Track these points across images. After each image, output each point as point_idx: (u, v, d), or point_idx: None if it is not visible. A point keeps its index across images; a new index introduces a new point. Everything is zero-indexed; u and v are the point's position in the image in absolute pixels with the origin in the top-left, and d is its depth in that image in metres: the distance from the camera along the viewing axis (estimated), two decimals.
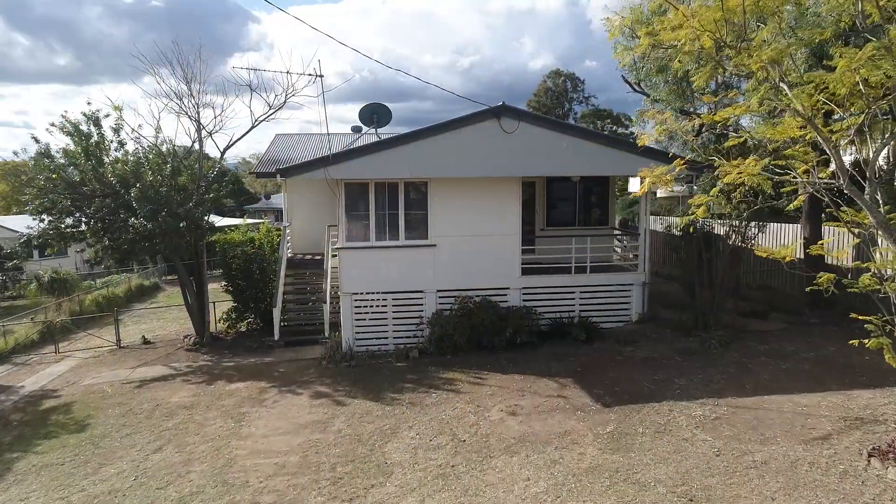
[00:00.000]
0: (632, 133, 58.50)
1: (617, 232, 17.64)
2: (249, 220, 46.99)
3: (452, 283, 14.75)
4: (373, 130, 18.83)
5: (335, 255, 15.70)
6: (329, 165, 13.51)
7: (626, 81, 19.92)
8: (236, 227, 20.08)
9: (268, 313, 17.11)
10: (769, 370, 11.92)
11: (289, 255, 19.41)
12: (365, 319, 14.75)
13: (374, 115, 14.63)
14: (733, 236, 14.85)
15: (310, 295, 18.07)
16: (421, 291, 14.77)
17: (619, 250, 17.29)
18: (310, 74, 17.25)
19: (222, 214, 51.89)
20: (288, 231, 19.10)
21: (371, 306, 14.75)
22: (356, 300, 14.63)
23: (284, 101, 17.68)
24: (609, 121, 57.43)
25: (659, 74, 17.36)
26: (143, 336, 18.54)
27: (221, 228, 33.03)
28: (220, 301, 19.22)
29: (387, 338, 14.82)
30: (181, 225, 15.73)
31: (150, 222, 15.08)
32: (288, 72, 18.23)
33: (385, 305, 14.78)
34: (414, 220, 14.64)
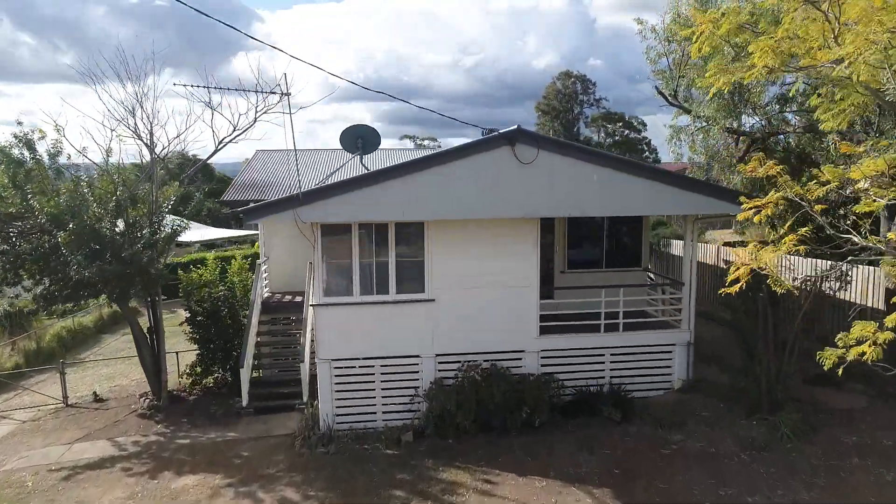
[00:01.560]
0: (645, 138, 55.46)
1: (653, 276, 14.69)
2: (245, 232, 44.18)
3: (455, 346, 11.87)
4: (382, 145, 16.12)
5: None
6: (300, 206, 10.63)
7: (660, 93, 16.97)
8: (202, 262, 17.22)
9: (239, 365, 14.27)
10: (870, 482, 9.00)
11: (265, 295, 16.55)
12: (348, 390, 11.89)
13: (359, 139, 11.78)
14: (809, 286, 11.89)
15: (286, 346, 15.22)
16: (416, 356, 11.89)
17: (652, 288, 14.36)
18: (273, 92, 14.39)
19: (217, 224, 49.16)
20: (264, 268, 16.24)
21: (355, 374, 11.89)
22: (337, 367, 11.77)
23: (255, 120, 14.86)
24: (621, 124, 54.46)
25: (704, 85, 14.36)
26: (95, 392, 15.71)
27: (189, 263, 30.35)
28: (185, 351, 16.35)
29: (374, 412, 11.96)
30: (127, 271, 12.87)
31: (86, 270, 12.24)
32: (245, 90, 15.29)
33: (372, 374, 11.91)
34: (407, 269, 11.76)
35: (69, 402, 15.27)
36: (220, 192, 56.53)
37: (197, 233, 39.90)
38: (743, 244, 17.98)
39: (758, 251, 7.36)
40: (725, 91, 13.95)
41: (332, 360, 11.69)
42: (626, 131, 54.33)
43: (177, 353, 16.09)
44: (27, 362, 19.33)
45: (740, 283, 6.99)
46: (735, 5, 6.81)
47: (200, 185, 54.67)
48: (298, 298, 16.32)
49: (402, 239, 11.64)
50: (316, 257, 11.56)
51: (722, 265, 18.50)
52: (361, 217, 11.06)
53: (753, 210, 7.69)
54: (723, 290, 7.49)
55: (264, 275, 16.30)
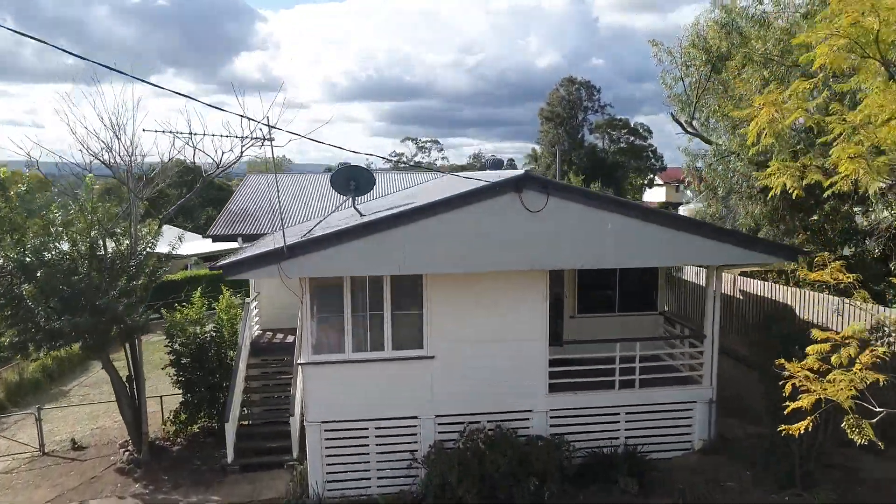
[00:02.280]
0: (650, 146, 54.35)
1: (669, 322, 13.58)
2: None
3: (456, 406, 10.81)
4: (391, 170, 15.04)
5: None
6: (284, 260, 9.56)
7: (676, 120, 15.85)
8: (195, 282, 16.20)
9: (223, 418, 13.22)
10: None
11: (256, 333, 15.52)
12: (339, 455, 10.84)
13: (351, 181, 10.73)
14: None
15: (278, 389, 14.19)
16: (414, 417, 10.83)
17: (670, 340, 13.27)
18: (255, 138, 13.34)
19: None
20: (254, 305, 15.20)
21: (347, 437, 10.83)
22: (327, 430, 10.71)
23: (240, 155, 13.83)
24: (625, 131, 53.32)
25: (726, 117, 13.25)
26: (74, 439, 14.68)
27: (184, 281, 29.23)
28: (169, 395, 15.25)
29: (369, 478, 10.90)
30: (103, 318, 11.82)
31: (56, 322, 11.20)
32: (228, 135, 14.23)
33: (366, 437, 10.85)
34: (404, 323, 10.70)
35: (46, 450, 14.25)
36: (220, 200, 55.28)
37: (193, 245, 38.83)
38: (763, 276, 16.86)
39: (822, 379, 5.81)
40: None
41: (322, 422, 10.64)
42: (631, 138, 53.20)
43: (160, 396, 15.04)
44: (8, 395, 18.33)
45: (802, 406, 5.70)
46: (805, 84, 5.62)
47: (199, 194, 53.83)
48: (290, 338, 15.26)
49: (398, 291, 10.57)
50: (304, 312, 10.49)
51: (738, 296, 17.42)
52: (353, 272, 10.00)
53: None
54: (783, 427, 6.01)
55: (254, 312, 15.27)
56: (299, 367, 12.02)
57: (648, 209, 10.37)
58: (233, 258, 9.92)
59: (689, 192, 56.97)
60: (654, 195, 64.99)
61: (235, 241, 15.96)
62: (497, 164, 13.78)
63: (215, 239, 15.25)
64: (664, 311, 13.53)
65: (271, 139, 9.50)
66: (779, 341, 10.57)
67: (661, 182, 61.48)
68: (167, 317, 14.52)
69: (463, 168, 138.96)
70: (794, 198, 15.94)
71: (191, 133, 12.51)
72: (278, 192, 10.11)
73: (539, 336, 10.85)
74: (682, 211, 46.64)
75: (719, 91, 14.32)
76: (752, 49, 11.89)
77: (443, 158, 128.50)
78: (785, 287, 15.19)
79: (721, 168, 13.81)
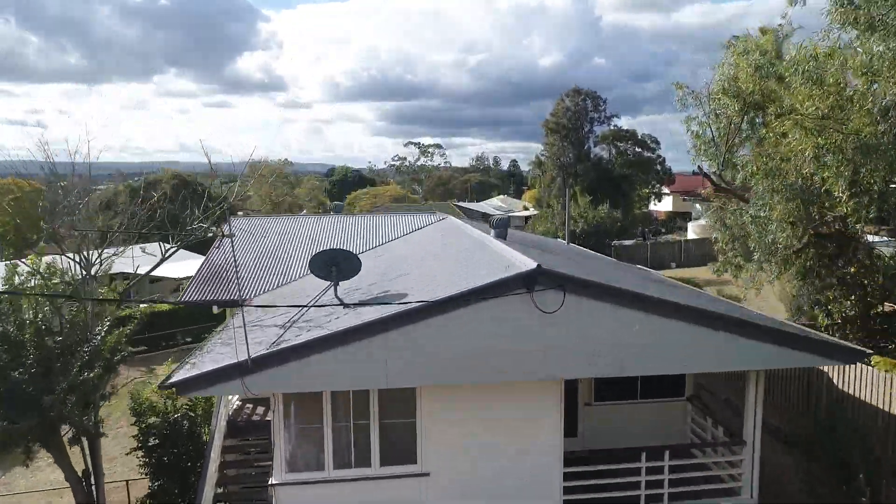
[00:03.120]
0: (659, 157, 52.35)
1: (698, 414, 11.90)
2: None
3: None
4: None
5: None
6: (249, 374, 7.94)
7: (703, 173, 14.14)
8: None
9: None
10: None
11: (234, 406, 13.90)
12: None
13: (333, 266, 9.09)
14: None
15: (260, 478, 12.56)
16: None
17: (703, 445, 11.60)
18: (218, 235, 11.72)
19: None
20: None
21: None
22: None
23: (204, 234, 12.21)
24: (631, 142, 51.48)
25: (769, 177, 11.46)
26: None
27: (167, 315, 27.65)
28: (137, 480, 13.59)
29: None
30: (51, 414, 10.20)
31: None
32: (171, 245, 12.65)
33: None
34: (395, 434, 9.08)
35: None
36: (211, 213, 53.56)
37: (182, 266, 37.20)
38: None
39: None
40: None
41: None
42: (638, 149, 51.31)
43: (127, 481, 13.45)
44: None
45: None
46: None
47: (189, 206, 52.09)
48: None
49: (388, 398, 8.95)
50: (276, 424, 8.88)
51: None
52: (331, 386, 8.39)
53: None
54: None
55: None
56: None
57: (681, 306, 8.70)
58: (188, 370, 8.27)
59: (698, 206, 55.16)
60: (661, 205, 63.18)
61: (211, 307, 14.33)
62: (503, 224, 12.14)
63: (189, 305, 13.57)
64: (691, 395, 11.85)
65: (231, 235, 7.87)
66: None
67: (667, 191, 59.67)
68: (133, 392, 12.93)
69: (466, 171, 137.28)
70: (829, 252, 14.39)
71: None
72: (238, 283, 8.48)
73: (551, 449, 9.21)
74: (693, 228, 44.89)
75: (754, 141, 12.62)
76: (797, 103, 10.21)
77: (445, 162, 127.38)
78: None
79: (757, 233, 12.13)
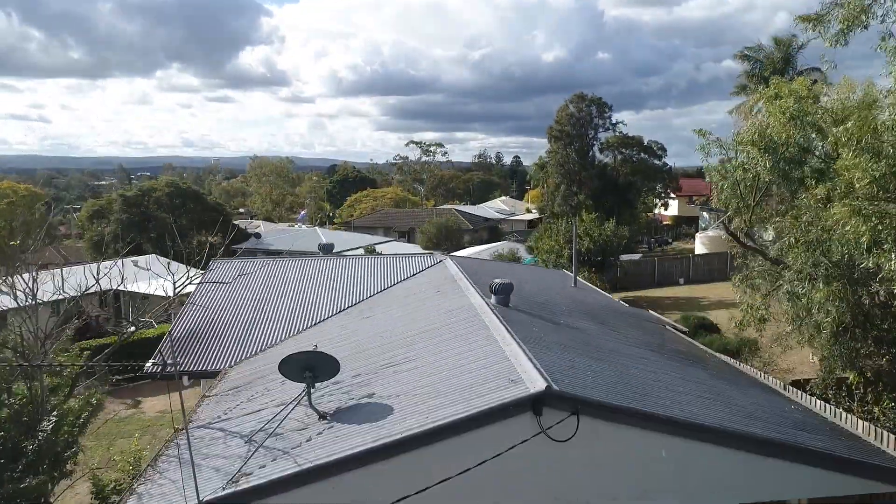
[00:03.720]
0: (665, 164, 50.81)
1: None
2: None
3: None
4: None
5: None
6: None
7: (728, 230, 12.67)
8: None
9: None
10: None
11: None
12: None
13: (307, 370, 7.72)
14: None
15: None
16: None
17: None
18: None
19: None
20: None
21: None
22: None
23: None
24: (636, 149, 49.90)
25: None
26: None
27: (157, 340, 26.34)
28: None
29: None
30: None
31: None
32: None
33: None
34: None
35: None
36: (213, 224, 52.15)
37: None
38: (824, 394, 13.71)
39: None
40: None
41: None
42: (644, 155, 49.75)
43: None
44: None
45: None
46: None
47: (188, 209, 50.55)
48: None
49: None
50: None
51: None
52: None
53: None
54: None
55: None
56: None
57: (716, 430, 7.30)
58: None
59: (705, 214, 53.63)
60: (667, 210, 61.66)
61: (183, 379, 12.89)
62: (505, 291, 10.76)
63: (150, 377, 12.18)
64: None
65: (179, 378, 6.48)
66: None
67: (673, 196, 58.17)
68: (94, 478, 11.56)
69: (468, 169, 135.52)
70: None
71: None
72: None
73: None
74: (700, 240, 43.43)
75: (787, 200, 11.18)
76: (849, 177, 8.78)
77: (447, 162, 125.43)
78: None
79: (795, 311, 10.69)
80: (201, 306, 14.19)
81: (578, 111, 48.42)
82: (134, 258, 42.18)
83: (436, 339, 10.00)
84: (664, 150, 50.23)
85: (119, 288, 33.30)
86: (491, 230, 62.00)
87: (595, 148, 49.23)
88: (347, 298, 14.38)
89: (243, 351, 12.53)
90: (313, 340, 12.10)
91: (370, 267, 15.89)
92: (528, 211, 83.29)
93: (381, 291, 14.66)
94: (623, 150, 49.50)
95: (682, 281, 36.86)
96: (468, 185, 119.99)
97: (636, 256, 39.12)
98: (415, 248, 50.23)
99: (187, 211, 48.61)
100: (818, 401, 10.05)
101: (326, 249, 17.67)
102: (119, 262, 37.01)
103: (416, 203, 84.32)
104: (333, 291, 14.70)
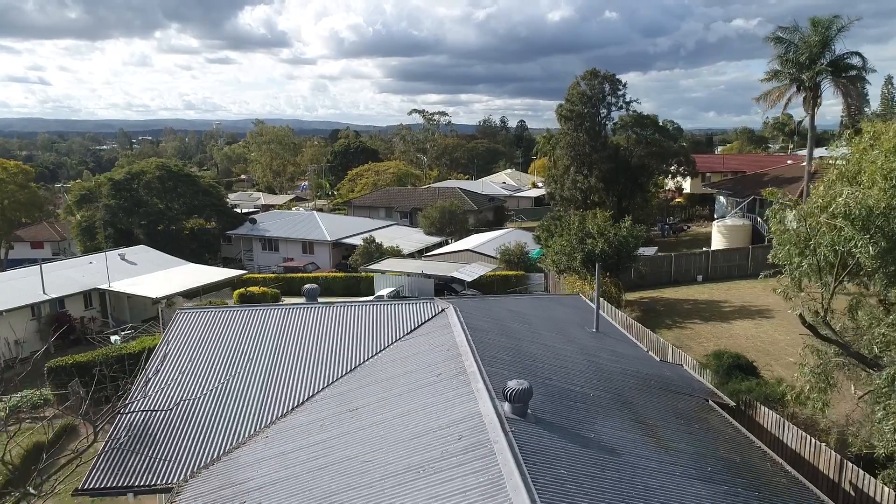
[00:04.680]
0: (682, 146, 47.91)
1: None
2: (231, 273, 37.66)
3: None
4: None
5: None
6: None
7: (810, 328, 10.15)
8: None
9: None
10: None
11: None
12: None
13: None
14: None
15: None
16: None
17: None
18: None
19: (203, 252, 41.98)
20: None
21: None
22: None
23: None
24: (651, 129, 46.87)
25: None
26: None
27: (145, 354, 24.19)
28: None
29: None
30: None
31: None
32: None
33: None
34: None
35: None
36: (206, 206, 49.37)
37: (176, 281, 33.71)
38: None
39: None
40: None
41: None
42: (659, 136, 46.75)
43: None
44: None
45: None
46: None
47: (183, 191, 47.68)
48: None
49: None
50: None
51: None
52: None
53: None
54: None
55: None
56: None
57: None
58: None
59: (721, 199, 50.73)
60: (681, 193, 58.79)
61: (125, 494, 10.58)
62: (523, 398, 8.36)
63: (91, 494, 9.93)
64: None
65: None
66: None
67: (687, 176, 55.27)
68: None
69: (472, 137, 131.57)
70: None
71: None
72: None
73: None
74: (718, 229, 40.76)
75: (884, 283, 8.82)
76: None
77: (449, 125, 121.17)
78: None
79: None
80: (158, 384, 11.85)
81: (591, 89, 45.26)
82: (121, 251, 40.03)
83: (432, 482, 7.71)
84: (680, 130, 47.23)
85: (105, 288, 30.58)
86: (496, 210, 59.31)
87: (608, 128, 46.25)
88: (333, 366, 12.10)
89: (203, 452, 10.29)
90: (282, 445, 9.87)
91: (360, 320, 13.54)
92: (534, 185, 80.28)
93: (373, 357, 12.36)
94: (637, 130, 46.45)
95: (700, 278, 34.44)
96: (472, 153, 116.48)
97: (651, 250, 36.52)
98: (417, 233, 47.78)
99: (179, 195, 46.08)
100: None
101: (311, 296, 15.27)
102: (105, 255, 33.93)
103: (419, 177, 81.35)
104: (317, 355, 12.42)
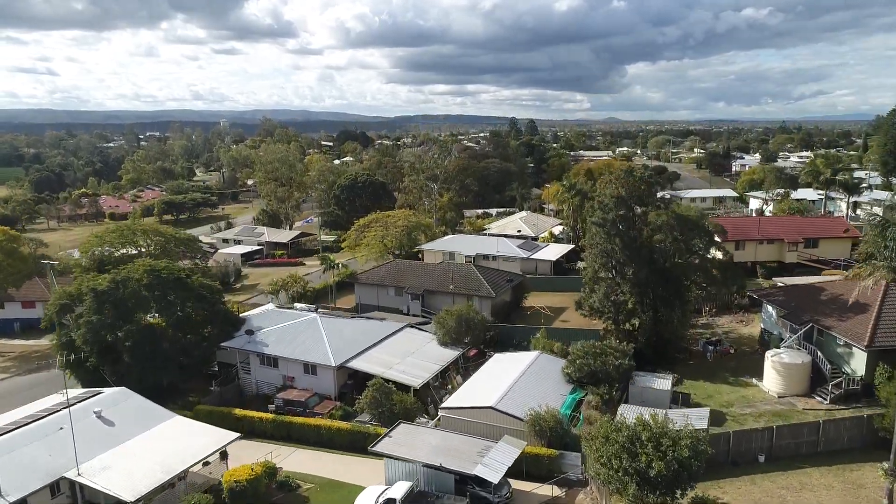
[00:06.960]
0: (720, 246, 41.92)
1: None
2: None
3: None
4: None
5: None
6: None
7: None
8: None
9: None
10: None
11: None
12: None
13: None
14: None
15: None
16: None
17: None
18: None
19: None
20: None
21: None
22: None
23: None
24: (693, 231, 40.99)
25: None
26: None
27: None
28: None
29: None
30: None
31: None
32: None
33: None
34: None
35: None
36: (194, 322, 43.59)
37: (158, 464, 28.66)
38: None
39: None
40: None
41: None
42: (699, 239, 41.01)
43: None
44: None
45: None
46: None
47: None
48: None
49: None
50: None
51: None
52: None
53: None
54: None
55: None
56: None
57: None
58: None
59: (769, 308, 44.81)
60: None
61: None
62: None
63: None
64: None
65: None
66: None
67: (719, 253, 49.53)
68: None
69: (484, 156, 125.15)
70: None
71: None
72: None
73: None
74: (772, 365, 35.16)
75: None
76: None
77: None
78: None
79: None
80: None
81: (629, 193, 39.39)
82: (97, 404, 34.58)
83: None
84: (724, 230, 41.29)
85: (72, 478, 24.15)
86: (514, 289, 53.92)
87: (644, 233, 40.41)
88: None
89: None
90: None
91: None
92: (551, 235, 74.56)
93: None
94: (674, 232, 40.51)
95: (762, 459, 29.12)
96: (483, 173, 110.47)
97: (704, 415, 30.79)
98: (431, 342, 42.36)
99: (170, 304, 40.77)
100: None
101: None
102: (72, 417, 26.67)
103: (429, 226, 75.58)
104: None
